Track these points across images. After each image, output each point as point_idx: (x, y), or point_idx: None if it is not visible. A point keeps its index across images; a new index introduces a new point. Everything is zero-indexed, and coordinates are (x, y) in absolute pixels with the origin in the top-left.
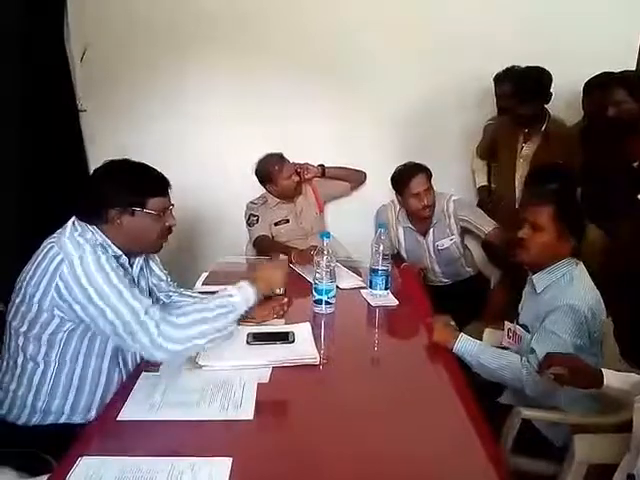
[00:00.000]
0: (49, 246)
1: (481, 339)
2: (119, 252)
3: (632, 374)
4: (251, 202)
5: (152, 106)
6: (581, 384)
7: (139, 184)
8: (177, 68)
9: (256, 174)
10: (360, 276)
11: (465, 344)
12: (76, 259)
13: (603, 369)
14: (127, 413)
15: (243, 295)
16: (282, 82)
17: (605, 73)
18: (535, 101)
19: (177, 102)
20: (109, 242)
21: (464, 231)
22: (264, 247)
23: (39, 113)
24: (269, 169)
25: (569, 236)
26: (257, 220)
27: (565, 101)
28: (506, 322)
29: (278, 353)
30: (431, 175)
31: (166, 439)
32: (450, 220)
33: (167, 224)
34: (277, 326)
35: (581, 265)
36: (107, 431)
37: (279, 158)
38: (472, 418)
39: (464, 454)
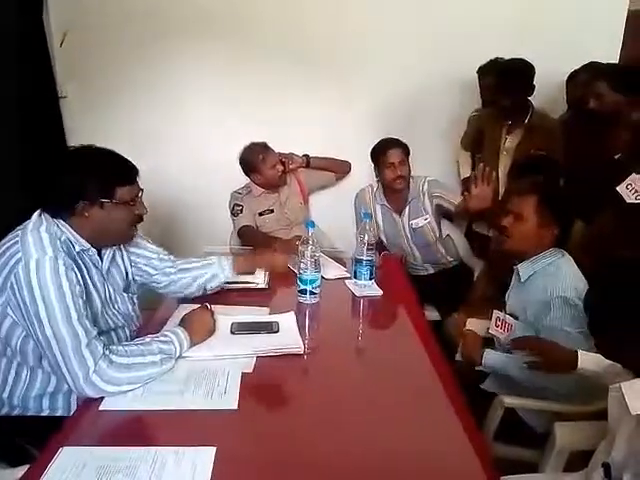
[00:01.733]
0: (13, 240)
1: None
2: (87, 245)
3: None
4: (235, 192)
5: (135, 93)
6: (554, 368)
7: (106, 174)
8: (161, 54)
9: (240, 163)
10: (344, 266)
11: (492, 358)
12: (33, 262)
13: (579, 351)
14: (110, 403)
15: (180, 343)
16: (267, 70)
17: (584, 66)
18: (518, 93)
19: (161, 89)
20: (77, 236)
21: (439, 214)
22: (248, 237)
23: (18, 99)
24: (253, 158)
25: (551, 226)
26: (241, 210)
27: (549, 94)
28: (495, 311)
29: (262, 342)
30: (409, 152)
31: (149, 429)
32: (424, 198)
33: (137, 213)
34: (261, 316)
35: (567, 255)
36: (89, 421)
37: (263, 147)
38: (456, 406)
39: (447, 442)
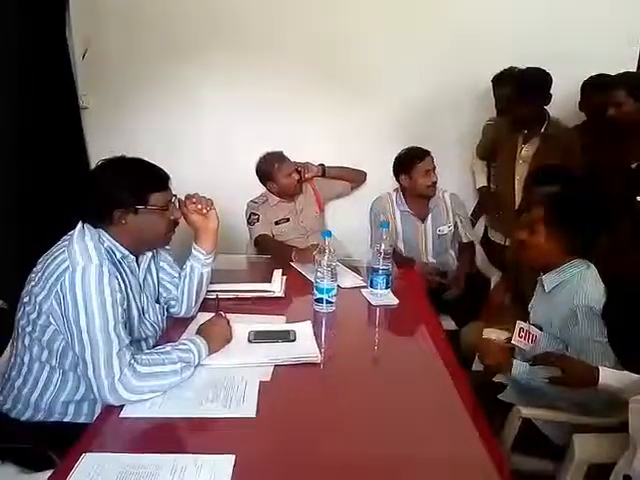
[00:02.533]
0: (60, 249)
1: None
2: (126, 252)
3: (630, 373)
4: (252, 201)
5: (155, 103)
6: (575, 384)
7: (139, 181)
8: (179, 65)
9: (257, 172)
10: (360, 275)
11: (521, 369)
12: (79, 269)
13: (600, 367)
14: (130, 410)
15: (199, 352)
16: (284, 82)
17: (602, 75)
18: (535, 102)
19: (179, 100)
20: (117, 244)
21: (457, 226)
22: (265, 245)
23: (40, 110)
24: (269, 167)
25: (563, 237)
26: (258, 219)
27: (566, 103)
28: (519, 322)
29: (280, 351)
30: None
31: (169, 436)
32: (448, 210)
33: (172, 217)
34: (279, 324)
35: (592, 266)
36: (111, 428)
37: (279, 156)
38: (473, 417)
39: (465, 453)
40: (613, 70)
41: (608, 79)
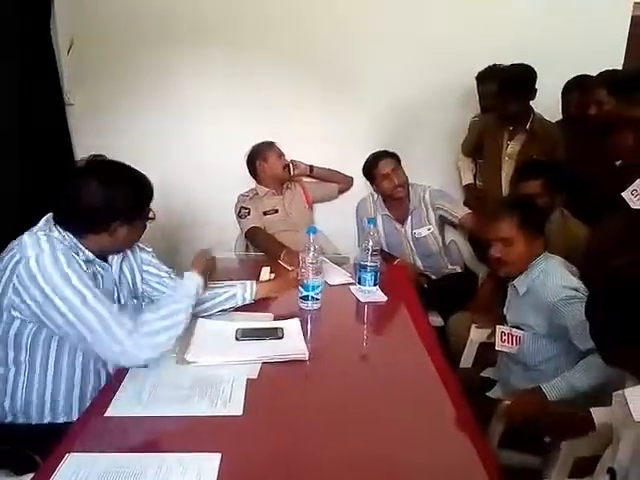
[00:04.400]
0: (14, 243)
1: (466, 330)
2: (91, 256)
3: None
4: (242, 195)
5: (141, 100)
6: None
7: (140, 195)
8: (166, 62)
9: (248, 156)
10: (349, 272)
11: (553, 389)
12: (32, 259)
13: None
14: (115, 409)
15: (192, 279)
16: (272, 81)
17: (582, 75)
18: (521, 98)
19: (166, 97)
20: (81, 247)
21: (443, 223)
22: (256, 238)
23: (25, 106)
24: (260, 147)
25: (536, 235)
26: (248, 212)
27: (550, 100)
28: (498, 327)
29: (267, 349)
30: (399, 160)
31: (154, 435)
32: (427, 209)
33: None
34: (266, 322)
35: (551, 256)
36: (94, 427)
37: (270, 141)
38: (460, 413)
39: (452, 449)
40: (599, 68)
41: (587, 80)
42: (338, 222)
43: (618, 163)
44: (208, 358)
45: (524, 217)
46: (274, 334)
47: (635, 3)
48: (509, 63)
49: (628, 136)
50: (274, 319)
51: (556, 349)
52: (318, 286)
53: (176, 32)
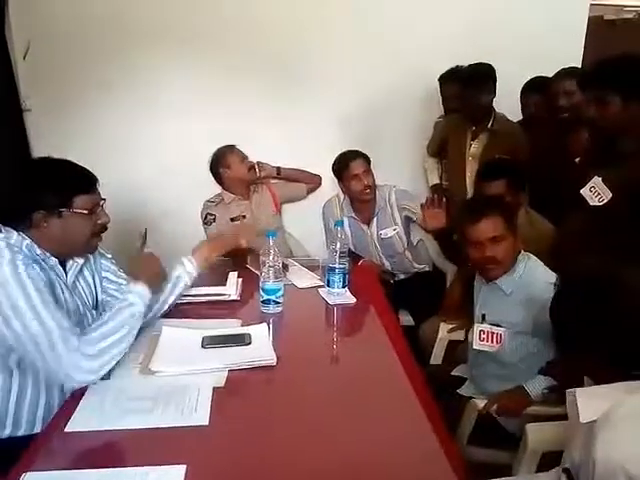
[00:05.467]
0: None
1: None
2: (48, 257)
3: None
4: (208, 201)
5: (101, 104)
6: (516, 412)
7: (63, 183)
8: (126, 65)
9: (210, 165)
10: (318, 275)
11: (535, 384)
12: None
13: (524, 383)
14: (76, 423)
15: (140, 297)
16: (234, 82)
17: (540, 77)
18: (487, 91)
19: (127, 101)
20: (36, 247)
21: (409, 223)
22: None
23: None
24: (222, 152)
25: (515, 232)
26: (214, 219)
27: (509, 100)
28: (476, 325)
29: (234, 356)
30: (370, 161)
31: (117, 449)
32: (393, 209)
33: (99, 222)
34: (233, 328)
35: (531, 256)
36: (54, 444)
37: (232, 145)
38: (428, 413)
39: (420, 449)
40: (557, 69)
41: (544, 79)
42: (308, 224)
43: (577, 160)
44: (173, 367)
45: (505, 214)
46: (241, 340)
47: (592, 4)
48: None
49: (583, 135)
50: (241, 325)
51: (536, 347)
52: (279, 289)
53: (134, 34)
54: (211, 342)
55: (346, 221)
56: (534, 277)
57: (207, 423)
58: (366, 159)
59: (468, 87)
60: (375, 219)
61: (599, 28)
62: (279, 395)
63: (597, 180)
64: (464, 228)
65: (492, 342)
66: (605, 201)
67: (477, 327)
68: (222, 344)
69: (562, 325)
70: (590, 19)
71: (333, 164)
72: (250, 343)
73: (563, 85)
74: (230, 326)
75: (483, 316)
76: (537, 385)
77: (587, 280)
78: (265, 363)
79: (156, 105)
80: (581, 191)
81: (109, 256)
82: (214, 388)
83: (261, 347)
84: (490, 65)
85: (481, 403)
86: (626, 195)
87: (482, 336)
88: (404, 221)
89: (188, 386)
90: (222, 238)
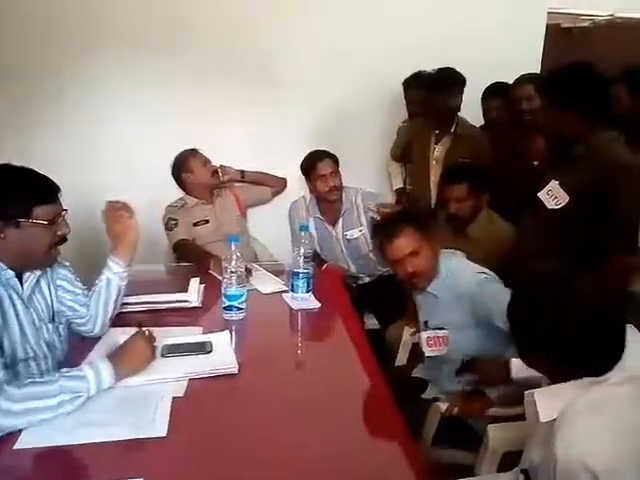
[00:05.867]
0: None
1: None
2: (5, 269)
3: None
4: (170, 205)
5: (57, 108)
6: (490, 382)
7: (22, 192)
8: (83, 68)
9: (172, 168)
10: (283, 279)
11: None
12: None
13: (512, 359)
14: (26, 440)
15: (98, 378)
16: (201, 85)
17: (500, 82)
18: (456, 93)
19: (83, 103)
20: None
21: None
22: (184, 251)
23: None
24: (184, 156)
25: (431, 237)
26: (176, 224)
27: (471, 106)
28: (421, 333)
29: (195, 364)
30: (338, 162)
31: (72, 465)
32: (359, 211)
33: (59, 233)
34: (194, 336)
35: (447, 252)
36: (2, 462)
37: (193, 149)
38: (389, 417)
39: (381, 453)
40: (517, 75)
41: (504, 84)
42: (274, 227)
43: (536, 163)
44: (131, 378)
45: (417, 225)
46: (202, 348)
47: (549, 12)
48: (431, 70)
49: (541, 139)
50: (203, 332)
51: (480, 339)
52: (241, 295)
53: (100, 34)
54: (171, 351)
55: (312, 222)
56: (458, 274)
57: (165, 435)
58: (334, 160)
59: (436, 91)
60: (341, 220)
61: (556, 36)
62: (241, 403)
63: (554, 184)
64: (383, 250)
65: (439, 346)
66: (562, 204)
67: (423, 335)
68: (182, 353)
69: (517, 324)
70: (548, 27)
71: (302, 163)
72: (211, 351)
73: (524, 90)
74: (191, 334)
75: (426, 323)
76: (522, 367)
77: (539, 281)
78: (226, 371)
79: (116, 111)
80: (538, 194)
81: (67, 264)
82: (174, 398)
83: (222, 355)
84: (456, 70)
85: (444, 405)
86: (581, 198)
87: (430, 342)
88: (369, 223)
89: (146, 397)
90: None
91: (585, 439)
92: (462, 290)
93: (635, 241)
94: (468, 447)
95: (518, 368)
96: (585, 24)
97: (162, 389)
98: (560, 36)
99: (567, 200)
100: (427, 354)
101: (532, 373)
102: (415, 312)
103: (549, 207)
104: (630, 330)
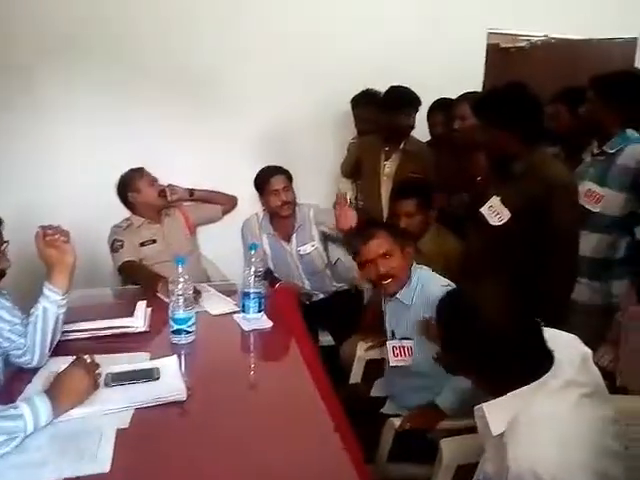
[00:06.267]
0: None
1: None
2: None
3: None
4: (115, 226)
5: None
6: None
7: None
8: (27, 84)
9: (117, 188)
10: (235, 300)
11: (445, 401)
12: None
13: (437, 399)
14: None
15: (35, 416)
16: (146, 103)
17: (445, 98)
18: (414, 111)
19: (28, 119)
20: None
21: (326, 240)
22: (130, 272)
23: None
24: (130, 175)
25: (405, 245)
26: (122, 245)
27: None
28: (388, 342)
29: (141, 393)
30: (291, 178)
31: None
32: (311, 226)
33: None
34: (141, 362)
35: (420, 265)
36: None
37: (139, 169)
38: (342, 436)
39: (333, 473)
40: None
41: (449, 100)
42: (226, 246)
43: (479, 179)
44: (71, 411)
45: (391, 230)
46: (149, 375)
47: (489, 33)
48: (378, 88)
49: (481, 156)
50: (150, 358)
51: None
52: (190, 318)
53: (41, 50)
54: (115, 379)
55: (265, 239)
56: (427, 285)
57: (108, 470)
58: (287, 176)
59: (389, 108)
60: (295, 236)
61: (496, 55)
62: (191, 432)
63: (495, 200)
64: (358, 252)
65: (405, 356)
66: (504, 220)
67: (389, 344)
68: (127, 381)
69: (448, 341)
70: (488, 46)
71: (255, 178)
72: (158, 378)
73: (459, 108)
74: (138, 360)
75: (392, 332)
76: (446, 398)
77: (466, 296)
78: (174, 398)
79: (61, 127)
80: (481, 210)
81: (4, 292)
82: (118, 430)
83: (170, 381)
84: (411, 90)
85: (397, 422)
86: (520, 214)
87: (395, 352)
88: (322, 237)
89: (88, 430)
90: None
91: (534, 449)
92: (431, 300)
93: (575, 258)
94: (427, 460)
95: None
96: (522, 44)
97: (105, 421)
98: (499, 55)
99: (509, 216)
100: (392, 364)
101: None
102: (375, 324)
103: (492, 223)
104: (558, 333)
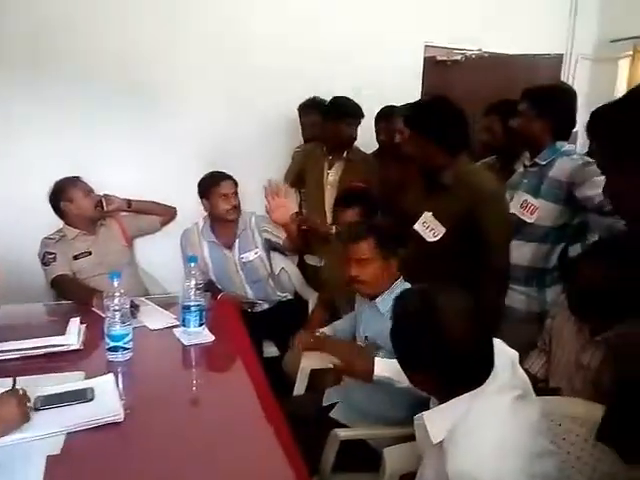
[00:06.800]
0: None
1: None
2: None
3: None
4: (46, 238)
5: None
6: (352, 374)
7: None
8: None
9: (50, 197)
10: (175, 314)
11: (384, 366)
12: None
13: (376, 358)
14: None
15: None
16: (85, 111)
17: (390, 106)
18: (357, 123)
19: None
20: None
21: (269, 248)
22: (64, 287)
23: None
24: (64, 182)
25: (391, 256)
26: (54, 258)
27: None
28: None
29: (73, 415)
30: (237, 185)
31: None
32: (254, 233)
33: None
34: (75, 383)
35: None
36: None
37: (74, 178)
38: (285, 448)
39: None
40: (402, 101)
41: (394, 109)
42: (167, 257)
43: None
44: None
45: (379, 239)
46: (82, 396)
47: (426, 46)
48: (323, 96)
49: (412, 168)
50: (85, 378)
51: None
52: (127, 334)
53: None
54: (46, 402)
55: (206, 247)
56: None
57: None
58: (235, 182)
59: (332, 118)
60: (237, 242)
61: (433, 68)
62: (129, 454)
63: (428, 215)
64: (346, 245)
65: None
66: (439, 236)
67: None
68: (59, 403)
69: (397, 347)
70: (426, 59)
71: (201, 182)
72: (93, 399)
73: (396, 123)
74: (71, 380)
75: (366, 337)
76: (385, 367)
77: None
78: (110, 420)
79: None
80: (414, 227)
81: None
82: (48, 457)
83: (106, 402)
84: (354, 102)
85: (342, 432)
86: (454, 227)
87: None
88: (265, 244)
89: (14, 459)
90: None
91: (470, 455)
92: None
93: (506, 266)
94: (371, 469)
95: (383, 369)
96: (457, 57)
97: (35, 448)
98: (436, 68)
99: (444, 232)
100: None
101: (396, 375)
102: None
103: (428, 239)
104: (495, 341)
